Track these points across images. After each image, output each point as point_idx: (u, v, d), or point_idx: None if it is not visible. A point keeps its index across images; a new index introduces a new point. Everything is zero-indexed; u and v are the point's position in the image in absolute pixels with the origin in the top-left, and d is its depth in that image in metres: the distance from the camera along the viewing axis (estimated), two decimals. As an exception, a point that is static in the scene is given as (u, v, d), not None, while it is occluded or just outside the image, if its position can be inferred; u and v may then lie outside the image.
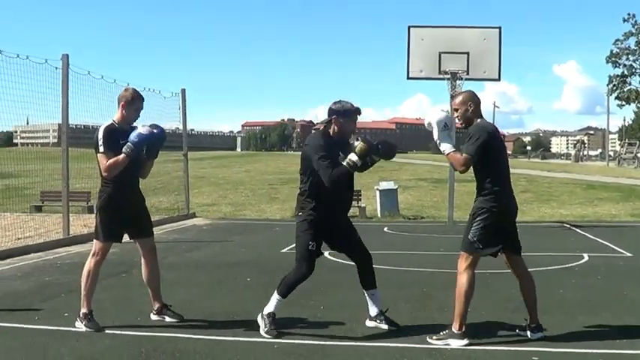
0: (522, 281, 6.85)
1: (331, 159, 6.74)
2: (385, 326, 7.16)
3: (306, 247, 6.89)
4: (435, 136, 6.62)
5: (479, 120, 6.67)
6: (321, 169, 6.71)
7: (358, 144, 6.72)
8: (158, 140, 7.33)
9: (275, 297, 6.97)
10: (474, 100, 6.71)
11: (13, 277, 10.60)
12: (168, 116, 20.86)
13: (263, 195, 31.13)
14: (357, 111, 7.01)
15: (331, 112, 6.98)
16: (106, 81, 16.35)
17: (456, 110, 6.74)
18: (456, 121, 6.78)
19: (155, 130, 7.23)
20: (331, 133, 7.00)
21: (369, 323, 7.27)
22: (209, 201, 28.86)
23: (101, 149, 7.03)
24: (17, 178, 23.25)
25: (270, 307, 6.96)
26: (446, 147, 6.59)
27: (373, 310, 7.28)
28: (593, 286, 9.88)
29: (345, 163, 6.69)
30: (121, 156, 6.99)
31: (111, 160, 6.98)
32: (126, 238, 7.50)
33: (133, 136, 7.00)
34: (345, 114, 6.95)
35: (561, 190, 32.35)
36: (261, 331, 6.85)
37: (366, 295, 7.31)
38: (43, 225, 18.38)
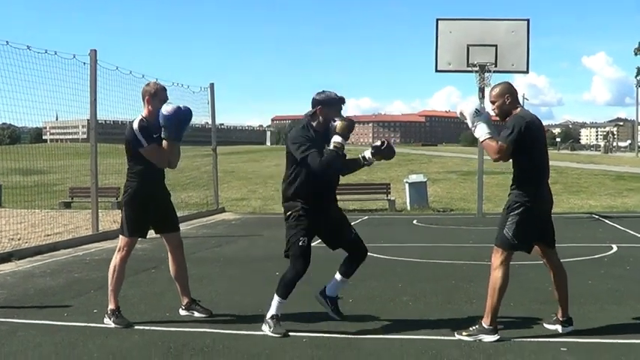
0: (555, 274, 6.73)
1: (316, 147, 6.53)
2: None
3: (297, 244, 6.69)
4: (469, 123, 6.55)
5: (518, 109, 6.54)
6: (308, 156, 6.48)
7: (337, 123, 6.55)
8: (185, 119, 7.21)
9: (276, 299, 6.77)
10: (510, 91, 6.57)
11: (42, 274, 10.67)
12: (197, 111, 20.79)
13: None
14: (342, 100, 6.80)
15: (315, 102, 6.79)
16: (135, 76, 16.47)
17: (493, 103, 6.61)
18: (492, 113, 6.68)
19: (181, 107, 7.18)
20: (315, 125, 6.78)
21: (319, 297, 7.13)
22: (238, 195, 28.95)
23: (145, 144, 7.00)
24: (46, 175, 23.44)
25: (272, 311, 6.77)
26: (480, 133, 6.49)
27: (331, 291, 7.12)
28: (622, 277, 9.82)
29: (332, 148, 6.52)
30: (164, 143, 7.06)
31: (161, 149, 7.06)
32: (153, 233, 7.51)
33: (161, 121, 7.00)
34: (329, 103, 6.74)
35: (590, 182, 32.17)
36: (269, 334, 6.67)
37: (336, 276, 7.12)
38: (72, 221, 18.54)
